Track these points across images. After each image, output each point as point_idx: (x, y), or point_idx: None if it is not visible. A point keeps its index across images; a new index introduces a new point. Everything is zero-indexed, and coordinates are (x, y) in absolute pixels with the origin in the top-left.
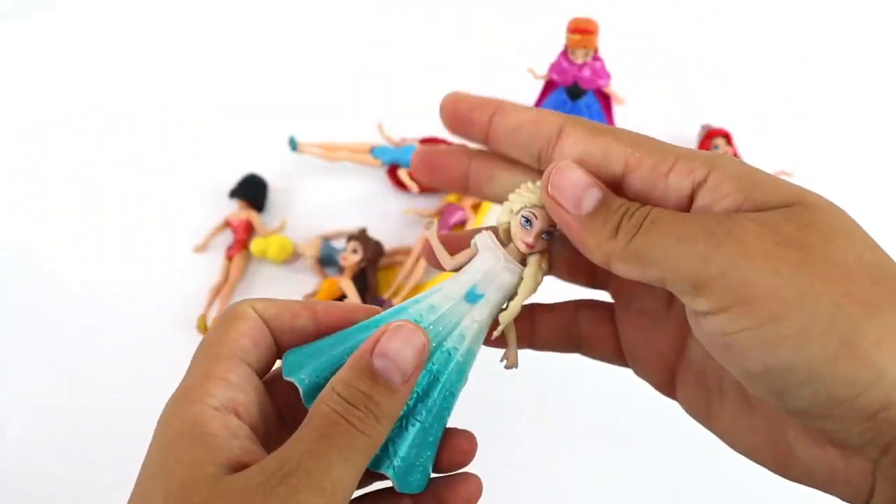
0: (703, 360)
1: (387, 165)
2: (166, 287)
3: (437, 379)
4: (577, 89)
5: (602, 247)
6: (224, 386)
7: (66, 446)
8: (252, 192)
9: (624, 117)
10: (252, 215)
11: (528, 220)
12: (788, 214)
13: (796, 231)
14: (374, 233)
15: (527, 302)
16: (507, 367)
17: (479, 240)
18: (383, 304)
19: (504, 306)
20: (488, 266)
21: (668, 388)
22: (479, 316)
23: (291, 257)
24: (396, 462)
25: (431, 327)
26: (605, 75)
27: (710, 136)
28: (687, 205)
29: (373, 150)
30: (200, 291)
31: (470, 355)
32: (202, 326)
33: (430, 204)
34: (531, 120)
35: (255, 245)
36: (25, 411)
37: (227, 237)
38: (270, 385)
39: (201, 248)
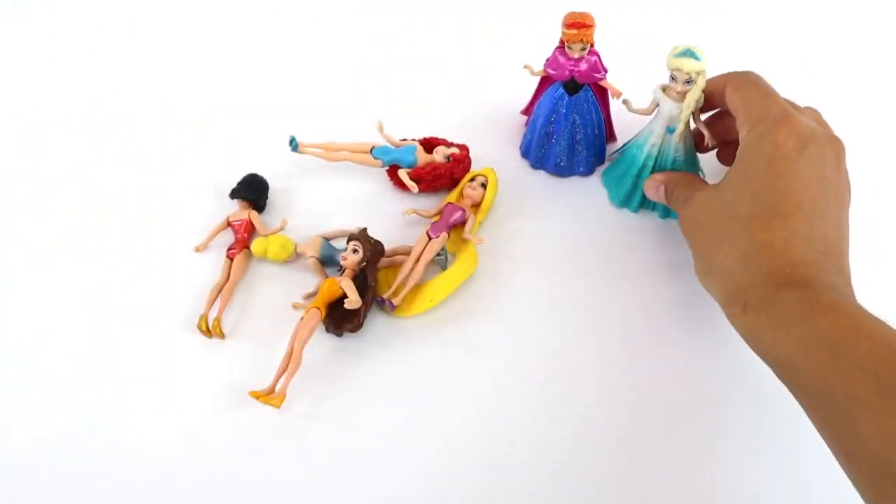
0: None
1: (387, 166)
2: (166, 287)
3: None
4: (573, 84)
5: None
6: None
7: (66, 447)
8: (252, 192)
9: (621, 112)
10: (252, 215)
11: (673, 78)
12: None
13: (696, 213)
14: (374, 233)
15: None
16: (712, 146)
17: (655, 94)
18: (383, 303)
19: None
20: (672, 111)
21: None
22: (679, 136)
23: (292, 257)
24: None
25: (658, 154)
26: (602, 69)
27: None
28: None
29: (373, 150)
30: (201, 291)
31: (689, 152)
32: (202, 326)
33: (431, 204)
34: (711, 87)
35: (256, 245)
36: (26, 413)
37: (228, 237)
38: None
39: (202, 248)
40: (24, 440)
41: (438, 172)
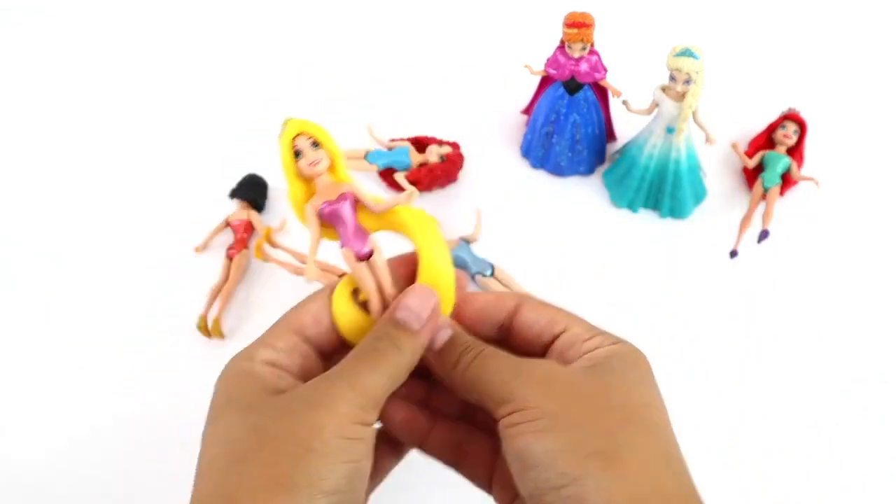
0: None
1: (382, 169)
2: (167, 287)
3: (681, 176)
4: (574, 83)
5: (446, 374)
6: (271, 350)
7: (67, 445)
8: (252, 192)
9: (621, 112)
10: (252, 215)
11: (672, 78)
12: (588, 373)
13: (576, 379)
14: None
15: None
16: (710, 143)
17: (655, 94)
18: None
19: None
20: (672, 111)
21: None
22: (679, 136)
23: None
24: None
25: (659, 154)
26: (602, 69)
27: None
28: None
29: (367, 155)
30: (200, 291)
31: (689, 152)
32: (202, 326)
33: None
34: (493, 299)
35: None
36: (26, 411)
37: (228, 237)
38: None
39: (201, 248)
40: (24, 438)
41: (435, 174)
